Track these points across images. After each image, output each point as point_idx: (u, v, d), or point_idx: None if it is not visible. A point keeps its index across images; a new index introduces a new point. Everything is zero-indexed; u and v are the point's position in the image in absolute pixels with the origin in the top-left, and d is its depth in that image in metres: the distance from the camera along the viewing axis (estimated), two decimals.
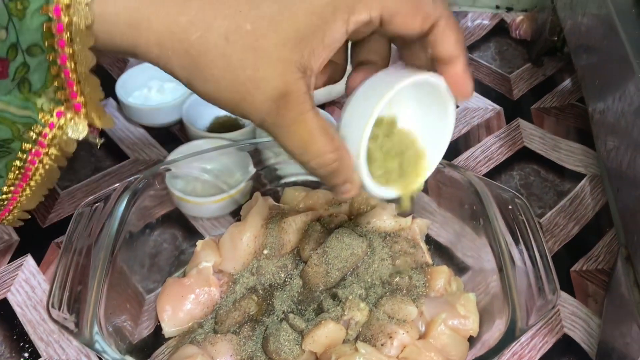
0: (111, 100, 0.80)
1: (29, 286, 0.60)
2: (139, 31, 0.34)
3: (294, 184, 0.65)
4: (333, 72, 0.43)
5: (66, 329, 0.46)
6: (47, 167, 0.41)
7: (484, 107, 0.80)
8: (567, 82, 0.83)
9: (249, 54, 0.35)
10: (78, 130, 0.39)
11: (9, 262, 0.62)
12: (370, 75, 0.41)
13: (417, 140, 0.46)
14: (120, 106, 0.78)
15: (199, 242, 0.59)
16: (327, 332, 0.48)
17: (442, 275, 0.55)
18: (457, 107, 0.80)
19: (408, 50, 0.42)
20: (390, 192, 0.44)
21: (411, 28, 0.38)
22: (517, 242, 0.51)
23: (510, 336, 0.45)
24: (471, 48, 0.90)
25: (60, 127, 0.38)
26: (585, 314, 0.57)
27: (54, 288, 0.48)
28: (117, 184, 0.56)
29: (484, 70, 0.86)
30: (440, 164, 0.58)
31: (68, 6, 0.33)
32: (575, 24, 0.68)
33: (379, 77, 0.41)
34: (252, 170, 0.63)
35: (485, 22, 0.93)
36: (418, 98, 0.43)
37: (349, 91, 0.42)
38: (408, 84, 0.39)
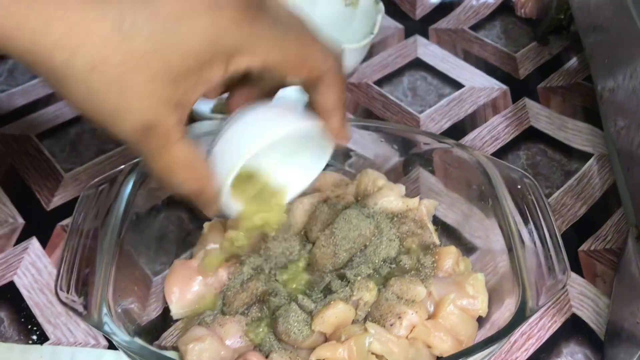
0: None
1: (35, 269, 0.60)
2: (4, 41, 0.32)
3: None
4: (223, 87, 0.44)
5: (75, 311, 0.46)
6: None
7: (490, 86, 0.79)
8: (574, 61, 0.82)
9: (114, 86, 0.34)
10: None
11: (14, 245, 0.62)
12: (251, 100, 0.43)
13: (277, 178, 0.48)
14: None
15: (206, 224, 0.59)
16: (336, 313, 0.48)
17: (450, 255, 0.55)
18: (462, 86, 0.79)
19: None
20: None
21: (296, 77, 0.40)
22: (526, 222, 0.51)
23: (520, 316, 0.45)
24: (476, 27, 0.89)
25: None
26: (594, 294, 0.57)
27: (61, 271, 0.48)
28: (123, 166, 0.55)
29: (489, 49, 0.85)
30: (448, 144, 0.58)
31: None
32: (583, 1, 0.67)
33: (258, 113, 0.42)
34: None
35: (490, 0, 0.92)
36: (290, 140, 0.44)
37: (228, 111, 0.44)
38: (282, 136, 0.41)
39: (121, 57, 0.33)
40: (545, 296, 0.46)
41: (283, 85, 0.45)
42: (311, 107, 0.43)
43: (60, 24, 0.32)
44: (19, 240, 0.62)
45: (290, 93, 0.45)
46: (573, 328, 0.55)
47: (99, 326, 0.45)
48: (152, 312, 0.55)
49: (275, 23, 0.37)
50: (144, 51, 0.33)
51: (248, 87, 0.44)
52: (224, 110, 0.45)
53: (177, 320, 0.55)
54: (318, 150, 0.47)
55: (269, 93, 0.45)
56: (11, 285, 0.59)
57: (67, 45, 0.32)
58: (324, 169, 0.63)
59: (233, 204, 0.45)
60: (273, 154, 0.46)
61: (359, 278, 0.51)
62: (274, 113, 0.43)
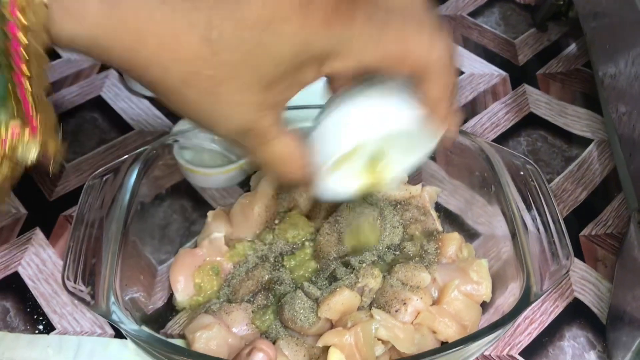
0: (113, 72, 0.79)
1: (39, 259, 0.60)
2: (100, 55, 0.33)
3: None
4: None
5: (82, 301, 0.46)
6: None
7: (490, 73, 0.79)
8: (573, 47, 0.83)
9: (208, 97, 0.34)
10: (28, 155, 0.37)
11: (17, 236, 0.62)
12: (355, 80, 0.40)
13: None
14: (123, 77, 0.77)
15: (210, 213, 0.59)
16: (342, 300, 0.49)
17: (453, 242, 0.56)
18: (462, 72, 0.79)
19: None
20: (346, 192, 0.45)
21: (397, 74, 0.38)
22: (529, 208, 0.52)
23: (525, 301, 0.45)
24: (475, 14, 0.89)
25: (13, 148, 0.35)
26: (595, 278, 0.57)
27: (68, 261, 0.48)
28: (126, 156, 0.55)
29: (488, 35, 0.85)
30: None
31: (24, 26, 0.31)
32: None
33: (363, 98, 0.40)
34: None
35: None
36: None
37: (332, 89, 0.42)
38: (382, 133, 0.40)
39: (212, 71, 0.33)
40: (549, 281, 0.47)
41: None
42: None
43: (153, 39, 0.32)
44: (23, 231, 0.62)
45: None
46: (575, 312, 0.55)
47: (106, 315, 0.45)
48: (158, 301, 0.56)
49: (372, 18, 0.35)
50: (234, 62, 0.33)
51: None
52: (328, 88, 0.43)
53: (182, 309, 0.55)
54: (424, 136, 0.43)
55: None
56: (16, 276, 0.59)
57: (160, 62, 0.32)
58: None
59: (336, 184, 0.44)
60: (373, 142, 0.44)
61: (364, 265, 0.52)
62: (378, 102, 0.40)
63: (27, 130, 0.35)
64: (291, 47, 0.33)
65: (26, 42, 0.31)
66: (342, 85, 0.41)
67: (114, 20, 0.31)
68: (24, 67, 0.32)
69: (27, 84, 0.33)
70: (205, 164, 0.62)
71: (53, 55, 0.82)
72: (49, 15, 0.30)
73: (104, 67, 0.80)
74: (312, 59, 0.35)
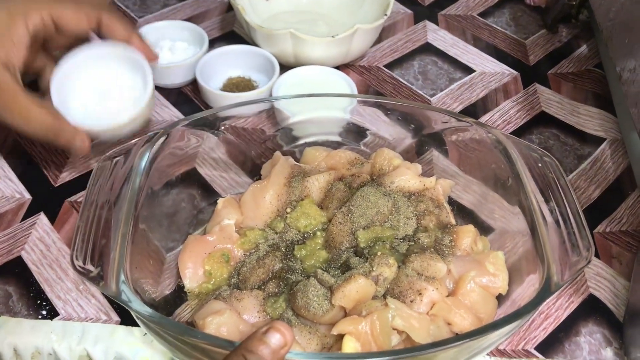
0: None
1: (43, 244, 0.59)
2: None
3: (313, 144, 0.64)
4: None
5: (92, 280, 0.44)
6: None
7: (501, 71, 0.79)
8: (584, 48, 0.82)
9: None
10: None
11: (21, 220, 0.61)
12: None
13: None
14: None
15: (220, 200, 0.58)
16: (357, 287, 0.48)
17: (468, 234, 0.55)
18: (473, 71, 0.79)
19: None
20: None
21: (81, 26, 0.55)
22: (547, 201, 0.51)
23: (546, 291, 0.44)
24: (485, 14, 0.89)
25: None
26: (611, 275, 0.57)
27: (77, 241, 0.47)
28: (137, 139, 0.54)
29: (499, 35, 0.85)
30: (467, 121, 0.57)
31: None
32: None
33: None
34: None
35: None
36: (108, 57, 0.59)
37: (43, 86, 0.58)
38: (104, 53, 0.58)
39: None
40: (569, 272, 0.46)
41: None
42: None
43: None
44: (27, 216, 0.61)
45: None
46: (591, 308, 0.54)
47: (116, 295, 0.44)
48: (166, 288, 0.54)
49: None
50: None
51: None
52: None
53: (191, 297, 0.53)
54: (137, 69, 0.59)
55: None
56: (19, 260, 0.57)
57: None
58: (340, 147, 0.63)
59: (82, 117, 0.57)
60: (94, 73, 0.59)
61: (378, 254, 0.51)
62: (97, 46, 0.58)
63: None
64: (1, 11, 0.52)
65: None
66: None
67: None
68: None
69: None
70: None
71: None
72: None
73: None
74: (17, 15, 0.52)
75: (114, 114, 0.58)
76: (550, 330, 0.53)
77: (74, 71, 0.57)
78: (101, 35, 0.58)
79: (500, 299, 0.52)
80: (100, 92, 0.59)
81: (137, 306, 0.43)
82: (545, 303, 0.54)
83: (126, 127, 0.59)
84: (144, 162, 0.52)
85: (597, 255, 0.58)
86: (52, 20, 0.53)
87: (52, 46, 0.58)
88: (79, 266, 0.45)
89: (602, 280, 0.56)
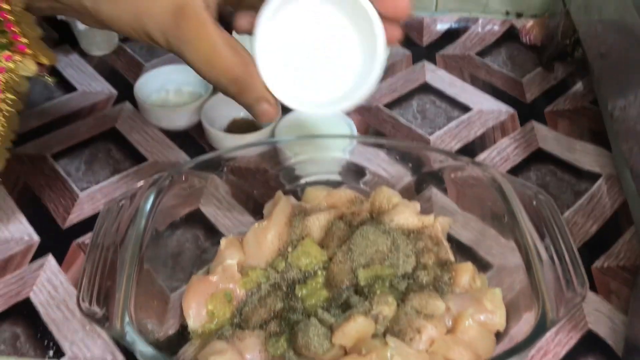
0: (128, 104, 0.81)
1: (51, 285, 0.60)
2: None
3: (314, 183, 0.66)
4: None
5: (97, 321, 0.46)
6: (6, 114, 0.41)
7: (498, 109, 0.81)
8: (579, 86, 0.84)
9: None
10: (28, 68, 0.40)
11: (30, 262, 0.62)
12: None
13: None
14: (138, 109, 0.79)
15: (223, 240, 0.59)
16: (357, 326, 0.48)
17: (466, 271, 0.55)
18: (470, 109, 0.80)
19: None
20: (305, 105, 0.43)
21: None
22: (542, 237, 0.52)
23: (541, 328, 0.45)
24: (482, 53, 0.91)
25: (11, 70, 0.39)
26: (609, 310, 0.57)
27: (83, 283, 0.48)
28: (142, 182, 0.56)
29: (496, 74, 0.87)
30: (462, 161, 0.59)
31: None
32: (590, 25, 0.69)
33: None
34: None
35: (496, 27, 0.94)
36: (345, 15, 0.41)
37: (237, 28, 0.42)
38: None
39: None
40: (565, 309, 0.46)
41: None
42: None
43: None
44: (35, 258, 0.63)
45: None
46: (590, 344, 0.55)
47: (121, 336, 0.45)
48: (170, 328, 0.55)
49: None
50: None
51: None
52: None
53: (194, 337, 0.54)
54: (367, 37, 0.41)
55: None
56: (27, 302, 0.59)
57: None
58: (340, 186, 0.64)
59: (284, 85, 0.41)
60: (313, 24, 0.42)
61: (378, 292, 0.52)
62: None
63: (17, 53, 0.39)
64: None
65: None
66: (246, 22, 0.41)
67: None
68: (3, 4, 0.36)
69: (6, 5, 0.36)
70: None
71: (70, 88, 0.83)
72: None
73: (119, 100, 0.81)
74: None
75: (326, 88, 0.44)
76: None
77: (289, 12, 0.40)
78: None
79: (499, 335, 0.52)
80: (315, 52, 0.43)
81: (141, 347, 0.44)
82: (543, 339, 0.55)
83: (333, 108, 0.44)
84: (148, 205, 0.54)
85: (595, 291, 0.59)
86: None
87: None
88: (86, 308, 0.47)
89: (600, 316, 0.57)
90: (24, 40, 0.38)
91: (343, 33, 0.42)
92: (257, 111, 0.42)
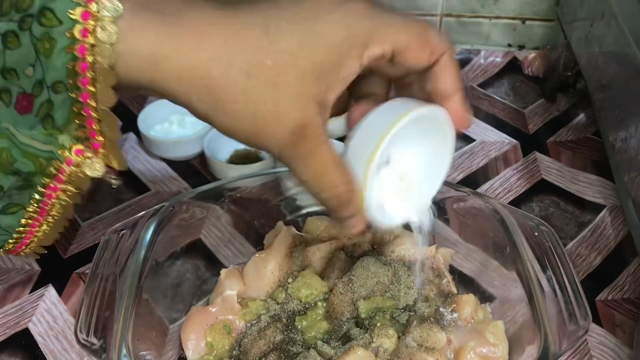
0: (132, 135, 0.81)
1: (50, 316, 0.60)
2: (158, 67, 0.34)
3: (315, 213, 0.66)
4: (339, 104, 0.43)
5: (94, 352, 0.45)
6: (62, 203, 0.41)
7: (501, 140, 0.81)
8: (582, 117, 0.84)
9: (269, 88, 0.35)
10: (95, 169, 0.39)
11: (30, 292, 0.62)
12: (371, 108, 0.42)
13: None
14: (142, 140, 0.79)
15: (223, 271, 0.59)
16: (357, 359, 0.48)
17: (468, 303, 0.55)
18: (473, 140, 0.81)
19: (406, 89, 0.44)
20: (395, 219, 0.47)
21: (420, 61, 0.40)
22: (544, 269, 0.51)
23: None
24: (484, 85, 0.92)
25: (78, 165, 0.38)
26: (614, 344, 0.56)
27: (81, 314, 0.48)
28: (143, 212, 0.56)
29: (498, 105, 0.87)
30: (464, 192, 0.59)
31: (93, 46, 0.33)
32: (591, 57, 0.69)
33: (383, 109, 0.42)
34: None
35: (498, 59, 0.95)
36: (419, 127, 0.43)
37: (352, 124, 0.43)
38: (412, 118, 0.40)
39: (272, 59, 0.35)
40: (567, 342, 0.46)
41: (396, 83, 0.45)
42: (427, 97, 0.43)
43: (216, 37, 0.34)
44: (35, 288, 0.62)
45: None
46: None
47: None
48: None
49: (396, 13, 0.40)
50: (292, 50, 0.35)
51: (362, 101, 0.44)
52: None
53: None
54: (441, 145, 0.45)
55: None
56: (26, 332, 0.58)
57: (224, 57, 0.34)
58: None
59: (380, 207, 0.44)
60: (401, 150, 0.46)
61: (378, 324, 0.51)
62: (394, 106, 0.42)
63: (90, 150, 0.37)
64: (339, 32, 0.37)
65: (92, 60, 0.33)
66: (357, 118, 0.43)
67: (176, 27, 0.34)
68: (90, 87, 0.34)
69: (92, 102, 0.35)
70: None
71: None
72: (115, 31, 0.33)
73: (123, 130, 0.82)
74: (357, 44, 0.37)
75: (412, 204, 0.47)
76: None
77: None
78: (424, 73, 0.42)
79: None
80: (402, 170, 0.47)
81: None
82: None
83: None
84: (149, 235, 0.54)
85: (599, 324, 0.58)
86: (392, 53, 0.39)
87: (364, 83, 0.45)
88: (83, 339, 0.46)
89: (605, 350, 0.56)
90: (100, 139, 0.38)
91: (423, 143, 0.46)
92: (347, 225, 0.43)
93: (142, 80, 0.35)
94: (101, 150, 0.38)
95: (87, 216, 0.70)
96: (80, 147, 0.38)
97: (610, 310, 0.59)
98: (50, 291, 0.62)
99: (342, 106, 0.44)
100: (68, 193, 0.40)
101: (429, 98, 0.42)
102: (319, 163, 0.39)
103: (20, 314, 0.60)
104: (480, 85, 0.91)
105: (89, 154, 0.38)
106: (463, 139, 0.81)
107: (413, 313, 0.54)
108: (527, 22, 0.94)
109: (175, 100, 0.37)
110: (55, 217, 0.42)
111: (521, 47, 0.96)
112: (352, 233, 0.45)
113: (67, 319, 0.59)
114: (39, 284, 0.63)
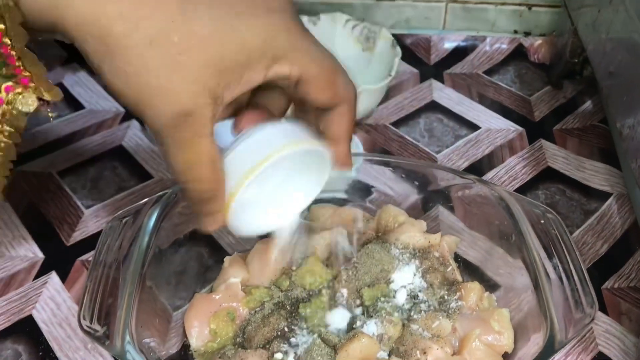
0: (135, 122, 0.81)
1: (54, 303, 0.60)
2: (59, 10, 0.34)
3: (319, 201, 0.65)
4: (235, 109, 0.45)
5: (97, 339, 0.45)
6: (1, 144, 0.41)
7: (506, 128, 0.80)
8: (588, 104, 0.83)
9: (168, 64, 0.35)
10: (27, 104, 0.39)
11: (33, 280, 0.62)
12: (261, 120, 0.43)
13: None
14: (144, 127, 0.79)
15: (227, 259, 0.59)
16: (361, 346, 0.48)
17: (473, 291, 0.55)
18: (479, 127, 0.80)
19: (303, 112, 0.45)
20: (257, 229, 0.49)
21: (320, 98, 0.41)
22: (550, 257, 0.51)
23: (549, 349, 0.44)
24: (490, 72, 0.91)
25: (9, 102, 0.38)
26: (620, 332, 0.56)
27: (85, 300, 0.48)
28: (146, 199, 0.56)
29: (504, 92, 0.86)
30: (469, 179, 0.58)
31: None
32: (599, 43, 0.68)
33: (276, 129, 0.42)
34: None
35: (504, 46, 0.94)
36: (301, 158, 0.44)
37: (238, 128, 0.43)
38: (300, 150, 0.42)
39: (180, 37, 0.34)
40: (573, 330, 0.45)
41: (295, 103, 0.46)
42: (319, 132, 0.45)
43: None
44: (39, 275, 0.62)
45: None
46: None
47: (121, 355, 0.44)
48: (172, 347, 0.54)
49: (317, 43, 0.40)
50: (203, 35, 0.35)
51: (257, 110, 0.44)
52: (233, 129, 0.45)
53: (196, 356, 0.54)
54: (317, 174, 0.48)
55: (275, 117, 0.46)
56: (30, 319, 0.58)
57: (132, 16, 0.34)
58: (346, 204, 0.64)
59: (242, 218, 0.45)
60: (277, 172, 0.46)
61: (382, 312, 0.51)
62: (287, 130, 0.43)
63: (19, 86, 0.37)
64: (257, 37, 0.37)
65: None
66: (246, 125, 0.43)
67: None
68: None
69: (7, 40, 0.35)
70: None
71: (77, 106, 0.84)
72: None
73: (126, 118, 0.81)
74: (268, 55, 0.37)
75: (277, 215, 0.49)
76: None
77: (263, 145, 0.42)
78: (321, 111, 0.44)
79: (507, 357, 0.51)
80: (273, 182, 0.48)
81: None
82: None
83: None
84: (152, 222, 0.53)
85: (605, 312, 0.58)
86: (298, 78, 0.39)
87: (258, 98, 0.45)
88: (86, 326, 0.46)
89: (611, 338, 0.56)
90: (27, 73, 0.38)
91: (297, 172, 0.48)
92: (204, 221, 0.43)
93: (45, 20, 0.35)
94: (30, 84, 0.38)
95: (90, 203, 0.70)
96: (9, 83, 0.37)
97: (616, 299, 0.59)
98: (54, 278, 0.62)
99: (236, 113, 0.44)
100: (5, 133, 0.40)
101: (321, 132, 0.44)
102: (193, 154, 0.38)
103: (24, 301, 0.60)
104: (485, 73, 0.90)
105: (19, 90, 0.38)
106: (469, 126, 0.80)
107: (417, 301, 0.54)
108: (534, 9, 0.93)
109: (74, 43, 0.36)
110: None
111: (527, 34, 0.95)
112: (204, 230, 0.44)
113: (71, 306, 0.59)
114: (42, 271, 0.63)
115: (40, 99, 0.39)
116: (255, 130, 0.42)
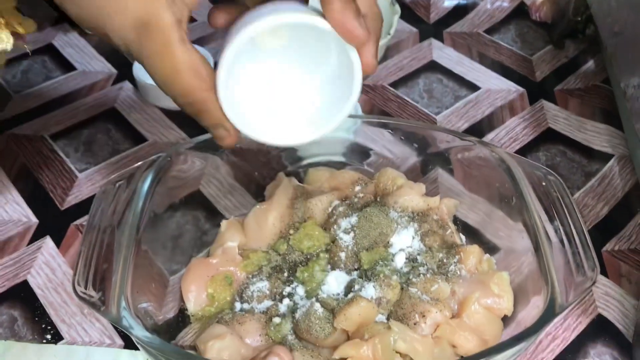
0: (127, 84, 0.79)
1: (49, 268, 0.59)
2: None
3: (317, 164, 0.64)
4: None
5: (92, 305, 0.45)
6: None
7: (507, 88, 0.78)
8: (590, 64, 0.82)
9: None
10: (2, 40, 0.38)
11: (27, 244, 0.61)
12: (234, 14, 0.39)
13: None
14: (138, 88, 0.77)
15: (224, 222, 0.58)
16: (359, 310, 0.47)
17: (472, 254, 0.54)
18: (479, 88, 0.78)
19: None
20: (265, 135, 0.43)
21: None
22: (552, 220, 0.50)
23: (550, 313, 0.44)
24: (491, 31, 0.89)
25: None
26: (620, 294, 0.56)
27: (79, 266, 0.47)
28: (140, 162, 0.55)
29: (505, 52, 0.85)
30: (470, 141, 0.57)
31: None
32: (603, 2, 0.66)
33: (280, 4, 0.38)
34: None
35: (505, 4, 0.92)
36: (308, 42, 0.39)
37: (212, 23, 0.40)
38: (285, 20, 0.37)
39: None
40: (574, 293, 0.45)
41: None
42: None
43: None
44: (33, 240, 0.61)
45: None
46: (599, 329, 0.53)
47: (117, 321, 0.44)
48: (169, 312, 0.54)
49: None
50: None
51: (230, 6, 0.41)
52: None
53: (194, 321, 0.53)
54: (340, 73, 0.41)
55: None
56: (25, 285, 0.58)
57: None
58: (343, 167, 0.63)
59: (244, 113, 0.41)
60: (286, 64, 0.41)
61: (381, 275, 0.50)
62: (296, 5, 0.38)
63: None
64: None
65: None
66: (222, 18, 0.40)
67: None
68: None
69: None
70: None
71: (69, 68, 0.82)
72: None
73: (118, 79, 0.80)
74: None
75: (291, 121, 0.44)
76: (557, 352, 0.52)
77: (259, 37, 0.38)
78: None
79: (506, 320, 0.51)
80: (282, 84, 0.43)
81: (138, 332, 0.43)
82: (552, 324, 0.54)
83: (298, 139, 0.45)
84: (146, 186, 0.52)
85: (605, 274, 0.57)
86: None
87: None
88: (81, 291, 0.45)
89: (610, 300, 0.55)
90: None
91: (313, 69, 0.42)
92: (214, 135, 0.41)
93: None
94: (1, 20, 0.37)
95: (84, 167, 0.69)
96: None
97: (617, 261, 0.58)
98: (49, 243, 0.61)
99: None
100: None
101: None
102: (169, 65, 0.36)
103: (19, 266, 0.59)
104: (486, 32, 0.88)
105: None
106: (469, 87, 0.79)
107: (416, 264, 0.53)
108: None
109: None
110: None
111: None
112: (221, 145, 0.42)
113: (66, 271, 0.59)
114: (37, 236, 0.62)
115: (14, 33, 0.38)
116: (239, 23, 0.38)
